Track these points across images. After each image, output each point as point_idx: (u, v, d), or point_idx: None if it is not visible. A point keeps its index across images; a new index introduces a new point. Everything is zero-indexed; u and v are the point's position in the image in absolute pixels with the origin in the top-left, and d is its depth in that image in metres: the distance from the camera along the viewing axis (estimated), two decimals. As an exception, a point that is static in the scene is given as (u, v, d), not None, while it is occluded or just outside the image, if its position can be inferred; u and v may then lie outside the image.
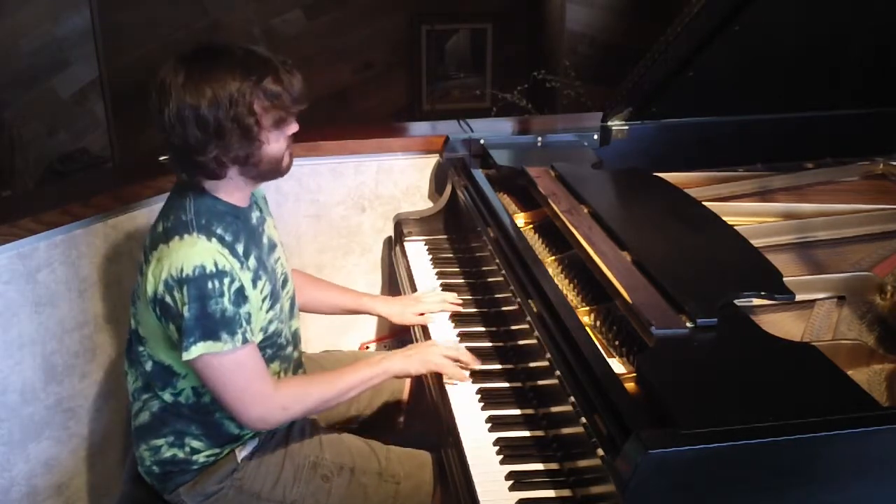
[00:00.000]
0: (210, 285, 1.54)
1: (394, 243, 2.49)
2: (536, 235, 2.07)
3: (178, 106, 1.52)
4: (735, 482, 1.19)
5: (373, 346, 2.70)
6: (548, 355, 1.54)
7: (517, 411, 1.65)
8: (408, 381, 2.08)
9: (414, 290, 2.17)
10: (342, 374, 1.73)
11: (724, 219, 1.86)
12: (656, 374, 1.33)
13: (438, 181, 2.57)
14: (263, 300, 1.67)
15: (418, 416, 2.09)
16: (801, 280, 1.74)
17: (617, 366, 1.52)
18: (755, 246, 1.75)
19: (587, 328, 1.58)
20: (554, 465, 1.49)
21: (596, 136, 2.42)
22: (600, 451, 1.27)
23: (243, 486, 1.73)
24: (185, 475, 1.73)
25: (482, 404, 1.68)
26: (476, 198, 2.15)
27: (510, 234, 1.91)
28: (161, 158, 1.79)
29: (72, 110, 4.25)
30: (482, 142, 2.42)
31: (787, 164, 2.35)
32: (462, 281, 2.18)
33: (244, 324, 1.58)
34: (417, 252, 2.36)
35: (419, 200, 2.62)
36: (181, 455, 1.72)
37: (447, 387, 1.74)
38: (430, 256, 2.33)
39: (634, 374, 1.41)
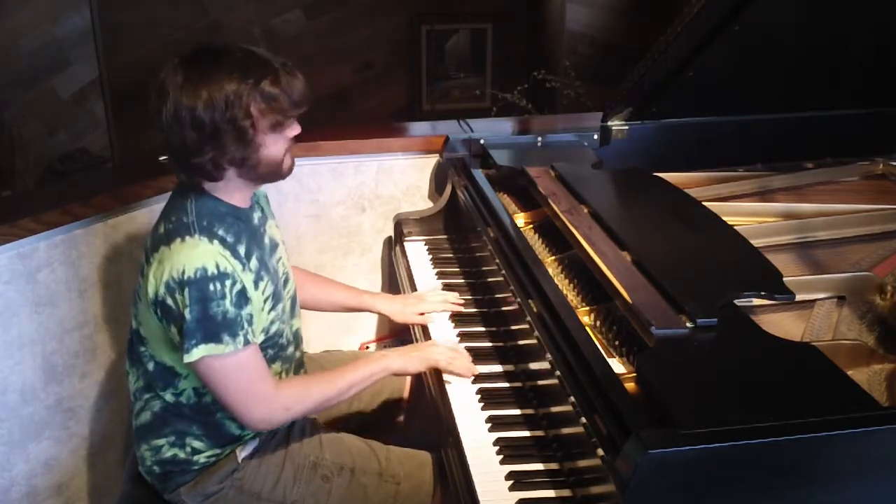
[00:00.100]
0: (211, 287, 1.54)
1: (394, 243, 2.49)
2: (536, 235, 2.07)
3: (175, 107, 1.52)
4: (735, 482, 1.19)
5: (373, 346, 2.70)
6: (548, 355, 1.54)
7: (517, 411, 1.65)
8: (408, 380, 2.08)
9: (414, 290, 2.17)
10: (342, 373, 1.73)
11: (724, 219, 1.86)
12: (656, 374, 1.34)
13: (438, 181, 2.57)
14: (265, 301, 1.67)
15: (418, 416, 2.09)
16: (801, 280, 1.74)
17: (617, 366, 1.52)
18: (755, 246, 1.75)
19: (587, 328, 1.58)
20: (554, 465, 1.49)
21: (596, 136, 2.42)
22: (600, 451, 1.27)
23: (243, 486, 1.73)
24: (185, 475, 1.73)
25: (482, 404, 1.68)
26: (476, 198, 2.15)
27: (510, 234, 1.91)
28: (161, 158, 1.79)
29: (72, 110, 4.25)
30: (482, 142, 2.42)
31: (787, 164, 2.35)
32: (462, 281, 2.18)
33: (246, 325, 1.58)
34: (417, 252, 2.36)
35: (419, 200, 2.62)
36: (182, 455, 1.72)
37: (447, 387, 1.74)
38: (430, 256, 2.33)
39: (634, 374, 1.41)
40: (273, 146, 1.61)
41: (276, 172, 1.65)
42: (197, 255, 1.55)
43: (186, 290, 1.53)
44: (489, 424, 1.62)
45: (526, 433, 1.59)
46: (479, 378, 1.76)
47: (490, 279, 1.99)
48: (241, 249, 1.63)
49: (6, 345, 1.99)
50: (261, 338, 1.67)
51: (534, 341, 1.62)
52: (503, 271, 1.84)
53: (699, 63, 2.16)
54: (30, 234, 1.97)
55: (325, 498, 1.76)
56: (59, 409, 2.12)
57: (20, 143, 4.07)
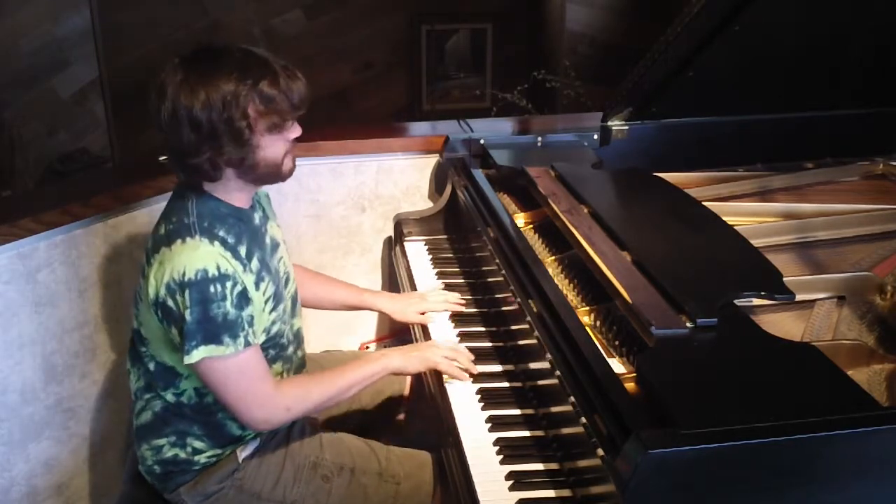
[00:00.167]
0: (212, 289, 1.54)
1: (394, 243, 2.49)
2: (536, 235, 2.07)
3: (173, 106, 1.52)
4: (735, 482, 1.19)
5: (373, 347, 2.70)
6: (548, 355, 1.54)
7: (517, 411, 1.65)
8: (408, 378, 2.08)
9: (414, 290, 2.16)
10: (342, 372, 1.73)
11: (724, 219, 1.86)
12: (656, 374, 1.34)
13: (438, 181, 2.57)
14: (266, 301, 1.67)
15: (418, 416, 2.09)
16: (801, 280, 1.74)
17: (617, 366, 1.52)
18: (755, 246, 1.75)
19: (587, 328, 1.58)
20: (554, 465, 1.49)
21: (596, 136, 2.42)
22: (600, 451, 1.27)
23: (244, 485, 1.73)
24: (185, 475, 1.73)
25: (482, 404, 1.68)
26: (476, 198, 2.15)
27: (510, 234, 1.91)
28: (161, 158, 1.79)
29: (72, 110, 4.25)
30: (482, 142, 2.42)
31: (787, 164, 2.35)
32: (462, 281, 2.18)
33: (246, 327, 1.58)
34: (417, 252, 2.36)
35: (419, 200, 2.62)
36: (183, 455, 1.72)
37: (447, 387, 1.74)
38: (430, 256, 2.33)
39: (634, 374, 1.41)
40: (271, 148, 1.60)
41: (276, 174, 1.65)
42: (198, 256, 1.55)
43: (187, 292, 1.53)
44: (489, 424, 1.62)
45: (526, 433, 1.59)
46: (479, 378, 1.76)
47: (490, 279, 1.99)
48: (242, 250, 1.62)
49: (6, 345, 1.99)
50: (262, 338, 1.67)
51: (534, 341, 1.62)
52: (503, 271, 1.84)
53: (699, 63, 2.16)
54: (30, 234, 1.97)
55: (325, 498, 1.76)
56: (59, 409, 2.12)
57: (20, 143, 4.07)
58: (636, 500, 1.17)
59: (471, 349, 1.84)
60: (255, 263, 1.65)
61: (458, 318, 2.01)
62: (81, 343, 2.14)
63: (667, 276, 1.59)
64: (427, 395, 1.82)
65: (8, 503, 2.07)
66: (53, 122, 4.20)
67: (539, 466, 1.49)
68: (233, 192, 1.65)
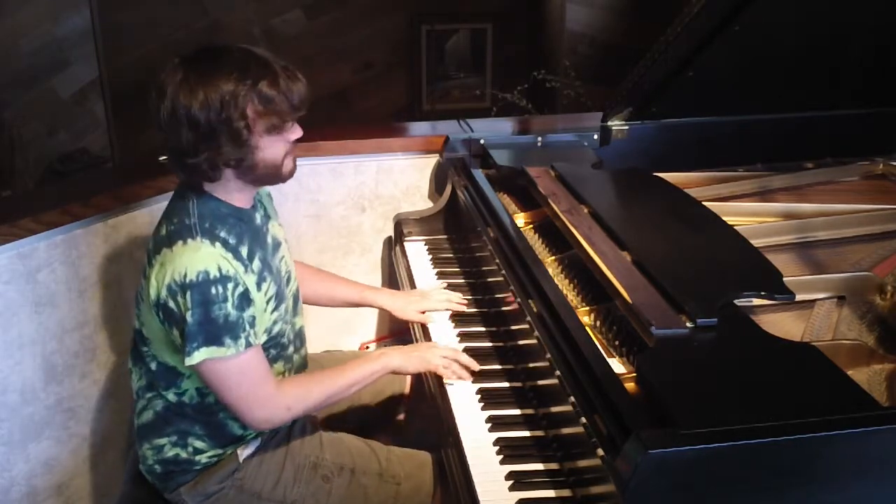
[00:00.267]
0: (213, 291, 1.54)
1: (394, 243, 2.49)
2: (536, 235, 2.07)
3: (172, 105, 1.51)
4: (735, 482, 1.19)
5: (373, 347, 2.70)
6: (548, 355, 1.54)
7: (517, 411, 1.65)
8: (409, 378, 2.08)
9: (414, 289, 2.16)
10: (343, 371, 1.73)
11: (724, 219, 1.86)
12: (656, 374, 1.34)
13: (438, 181, 2.57)
14: (268, 301, 1.67)
15: (418, 415, 2.09)
16: (801, 280, 1.74)
17: (617, 366, 1.52)
18: (755, 246, 1.75)
19: (587, 328, 1.58)
20: (554, 465, 1.49)
21: (596, 136, 2.42)
22: (600, 451, 1.27)
23: (244, 485, 1.73)
24: (186, 475, 1.74)
25: (482, 404, 1.68)
26: (476, 198, 2.15)
27: (510, 234, 1.91)
28: (161, 158, 1.79)
29: (72, 110, 4.25)
30: (482, 142, 2.42)
31: (787, 164, 2.35)
32: (462, 281, 2.18)
33: (247, 327, 1.58)
34: (417, 252, 2.36)
35: (419, 200, 2.62)
36: (184, 455, 1.72)
37: (447, 387, 1.74)
38: (430, 256, 2.33)
39: (634, 374, 1.41)
40: (270, 149, 1.59)
41: (276, 175, 1.64)
42: (199, 258, 1.54)
43: (188, 294, 1.53)
44: (489, 424, 1.62)
45: (526, 433, 1.59)
46: (479, 378, 1.76)
47: (490, 279, 1.99)
48: (244, 251, 1.62)
49: (6, 345, 1.99)
50: (263, 338, 1.67)
51: (534, 341, 1.62)
52: (503, 271, 1.84)
53: (699, 63, 2.16)
54: (30, 234, 1.97)
55: (326, 498, 1.76)
56: (59, 409, 2.12)
57: (20, 143, 4.07)
58: (636, 500, 1.17)
59: (471, 349, 1.84)
60: (256, 264, 1.65)
61: (458, 317, 2.00)
62: (81, 343, 2.14)
63: (667, 276, 1.59)
64: (427, 394, 1.82)
65: (8, 503, 2.07)
66: (53, 122, 4.20)
67: (539, 466, 1.50)
68: (233, 192, 1.65)
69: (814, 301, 1.71)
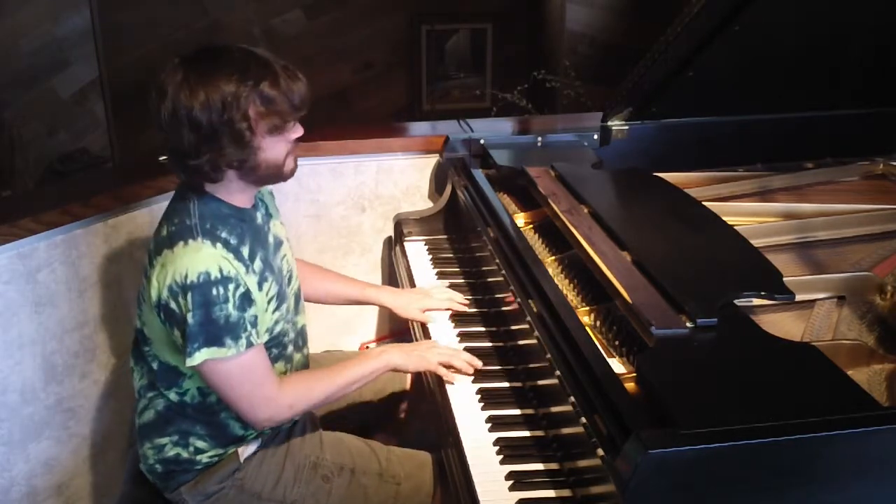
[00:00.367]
0: (214, 292, 1.53)
1: (394, 243, 2.49)
2: (536, 235, 2.07)
3: (173, 106, 1.51)
4: (735, 482, 1.19)
5: (373, 346, 2.70)
6: (548, 355, 1.54)
7: (517, 411, 1.65)
8: (409, 375, 2.08)
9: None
10: (344, 368, 1.74)
11: (724, 219, 1.86)
12: (656, 374, 1.34)
13: (438, 181, 2.57)
14: (269, 301, 1.67)
15: (418, 415, 2.09)
16: (801, 280, 1.74)
17: (617, 366, 1.52)
18: (755, 246, 1.75)
19: (587, 328, 1.58)
20: (554, 465, 1.49)
21: (596, 136, 2.42)
22: (600, 451, 1.27)
23: (244, 485, 1.73)
24: (187, 474, 1.74)
25: (482, 404, 1.68)
26: (476, 198, 2.15)
27: (510, 234, 1.91)
28: (161, 158, 1.78)
29: (72, 110, 4.25)
30: (482, 142, 2.42)
31: (787, 164, 2.35)
32: (462, 281, 2.18)
33: (249, 328, 1.58)
34: (417, 252, 2.36)
35: (419, 200, 2.62)
36: (185, 455, 1.72)
37: (447, 387, 1.74)
38: (430, 256, 2.33)
39: (634, 374, 1.41)
40: (272, 149, 1.59)
41: (277, 175, 1.64)
42: (200, 258, 1.54)
43: (189, 295, 1.52)
44: (489, 424, 1.62)
45: (526, 433, 1.59)
46: (479, 378, 1.76)
47: (490, 279, 1.99)
48: (245, 251, 1.62)
49: (6, 345, 1.99)
50: (265, 338, 1.67)
51: (534, 341, 1.62)
52: (503, 271, 1.84)
53: (699, 63, 2.16)
54: (30, 234, 1.97)
55: (326, 498, 1.76)
56: (59, 409, 2.12)
57: (20, 143, 4.07)
58: (636, 500, 1.17)
59: (471, 349, 1.84)
60: (257, 264, 1.64)
61: (458, 317, 2.01)
62: (81, 343, 2.14)
63: (667, 276, 1.59)
64: (427, 394, 1.82)
65: (8, 503, 2.07)
66: (53, 122, 4.20)
67: (539, 466, 1.50)
68: (234, 192, 1.64)
69: (814, 301, 1.71)
